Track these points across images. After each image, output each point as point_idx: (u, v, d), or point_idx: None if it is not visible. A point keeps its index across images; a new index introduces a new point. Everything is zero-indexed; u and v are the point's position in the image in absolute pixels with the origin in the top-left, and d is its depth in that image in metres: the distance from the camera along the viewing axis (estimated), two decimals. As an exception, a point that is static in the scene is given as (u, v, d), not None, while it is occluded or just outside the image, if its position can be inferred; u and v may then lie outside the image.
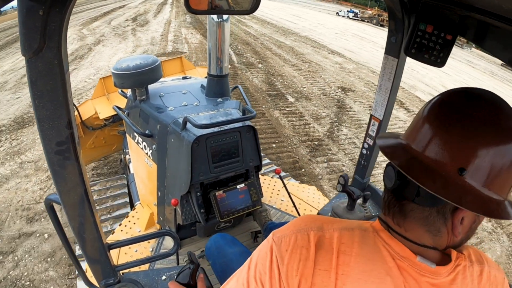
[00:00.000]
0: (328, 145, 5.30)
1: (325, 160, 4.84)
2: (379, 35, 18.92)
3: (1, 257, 2.84)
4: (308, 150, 5.08)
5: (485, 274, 0.63)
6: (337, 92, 7.94)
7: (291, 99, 7.08)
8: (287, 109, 6.59)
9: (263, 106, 6.54)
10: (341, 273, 0.56)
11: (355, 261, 0.57)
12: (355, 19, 25.06)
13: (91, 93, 5.54)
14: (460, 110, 0.55)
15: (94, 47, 9.57)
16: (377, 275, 0.56)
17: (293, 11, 25.00)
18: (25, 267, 2.76)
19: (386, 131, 1.59)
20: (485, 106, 0.54)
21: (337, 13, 27.13)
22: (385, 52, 1.38)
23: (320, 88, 8.07)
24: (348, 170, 4.67)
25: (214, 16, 1.70)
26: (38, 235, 3.10)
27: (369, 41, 15.95)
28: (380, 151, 0.64)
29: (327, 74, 9.40)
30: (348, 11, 27.15)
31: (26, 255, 2.87)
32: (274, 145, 5.01)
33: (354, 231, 0.62)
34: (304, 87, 8.00)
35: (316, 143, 5.35)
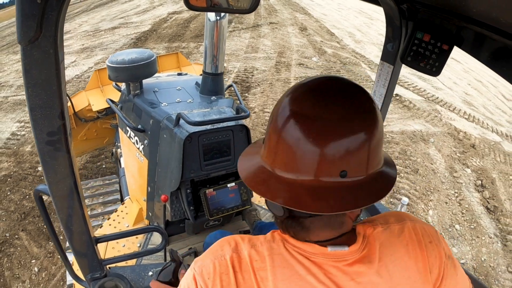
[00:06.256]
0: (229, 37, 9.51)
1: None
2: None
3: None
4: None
5: (407, 228, 0.66)
6: (264, 24, 11.40)
7: (233, 24, 11.07)
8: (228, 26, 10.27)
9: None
10: None
11: (272, 273, 0.58)
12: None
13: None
14: (310, 117, 0.55)
15: (157, 7, 14.99)
16: (299, 277, 0.58)
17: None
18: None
19: None
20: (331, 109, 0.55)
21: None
22: (381, 59, 1.38)
23: (255, 22, 11.59)
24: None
25: (212, 14, 1.70)
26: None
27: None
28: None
29: (275, 18, 12.35)
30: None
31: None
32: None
33: (263, 245, 0.62)
34: (247, 21, 11.57)
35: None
